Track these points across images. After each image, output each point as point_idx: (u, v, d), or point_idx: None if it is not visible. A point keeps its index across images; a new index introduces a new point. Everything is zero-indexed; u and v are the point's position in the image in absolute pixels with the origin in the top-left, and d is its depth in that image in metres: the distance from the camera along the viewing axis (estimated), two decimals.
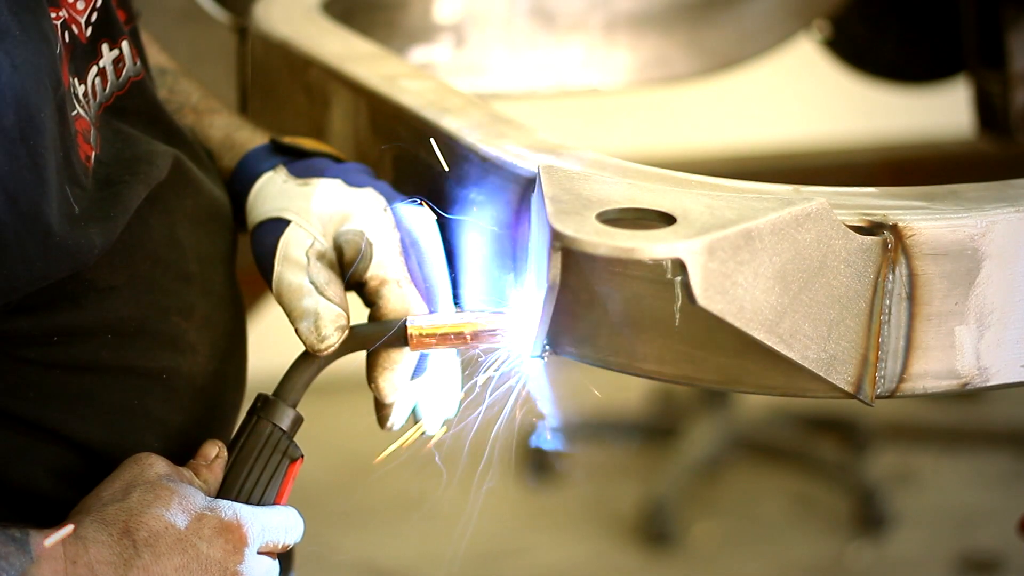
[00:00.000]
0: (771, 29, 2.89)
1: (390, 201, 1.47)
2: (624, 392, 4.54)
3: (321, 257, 1.43)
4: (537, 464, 4.20)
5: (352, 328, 1.41)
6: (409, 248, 1.46)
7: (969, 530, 4.30)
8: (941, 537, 4.29)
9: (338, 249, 1.44)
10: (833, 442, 4.69)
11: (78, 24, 1.38)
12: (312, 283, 1.41)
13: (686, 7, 2.77)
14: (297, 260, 1.43)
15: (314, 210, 1.45)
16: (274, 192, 1.48)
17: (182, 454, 1.42)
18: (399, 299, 1.44)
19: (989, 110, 2.92)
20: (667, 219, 1.22)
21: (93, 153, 1.37)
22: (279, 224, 1.46)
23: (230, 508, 1.35)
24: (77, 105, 1.36)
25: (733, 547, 4.25)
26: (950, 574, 4.16)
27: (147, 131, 1.47)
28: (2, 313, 1.31)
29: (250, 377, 1.57)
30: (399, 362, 1.44)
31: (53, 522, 1.33)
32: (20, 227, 1.25)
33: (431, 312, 1.45)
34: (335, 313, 1.40)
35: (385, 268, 1.44)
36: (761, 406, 4.71)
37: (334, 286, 1.42)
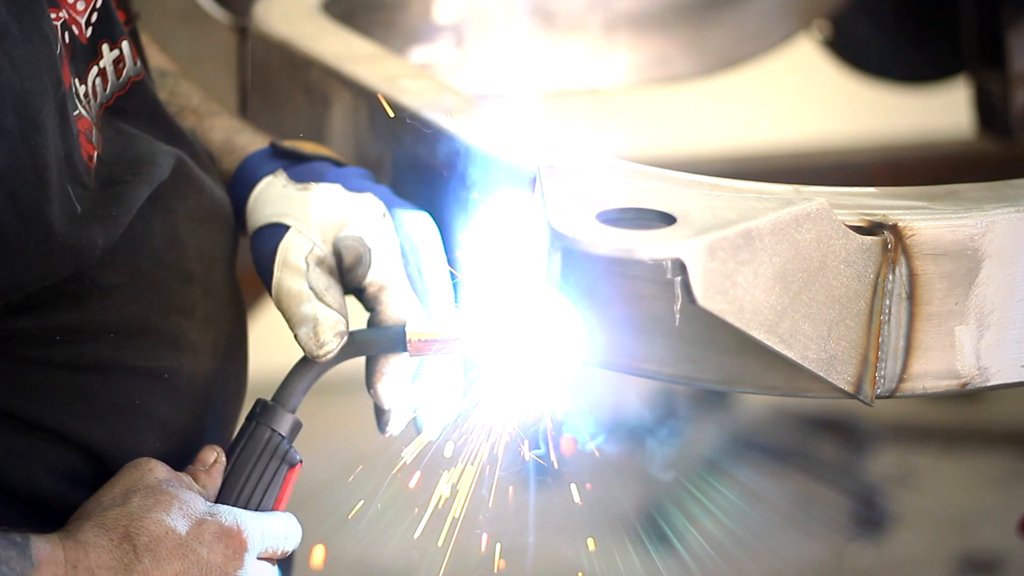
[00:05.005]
0: (771, 29, 2.89)
1: (389, 206, 1.47)
2: (624, 392, 4.54)
3: (320, 263, 1.43)
4: (538, 464, 4.20)
5: (351, 334, 1.41)
6: (408, 253, 1.46)
7: (969, 530, 4.30)
8: (941, 537, 4.29)
9: (337, 255, 1.44)
10: (833, 442, 4.69)
11: (78, 24, 1.38)
12: (311, 289, 1.41)
13: (686, 7, 2.77)
14: (296, 266, 1.43)
15: (313, 215, 1.45)
16: (274, 197, 1.48)
17: (183, 454, 1.42)
18: (398, 305, 1.44)
19: (989, 110, 2.92)
20: (667, 219, 1.22)
21: (95, 152, 1.37)
22: (278, 229, 1.45)
23: (230, 513, 1.35)
24: (79, 105, 1.36)
25: (733, 547, 4.25)
26: (950, 574, 4.15)
27: (148, 131, 1.47)
28: (4, 312, 1.31)
29: (251, 377, 1.57)
30: (398, 367, 1.44)
31: (54, 522, 1.33)
32: (21, 226, 1.25)
33: (430, 317, 1.45)
34: (334, 319, 1.40)
35: (384, 274, 1.43)
36: (761, 406, 4.71)
37: (333, 292, 1.42)
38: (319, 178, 1.49)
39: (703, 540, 4.28)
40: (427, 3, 2.49)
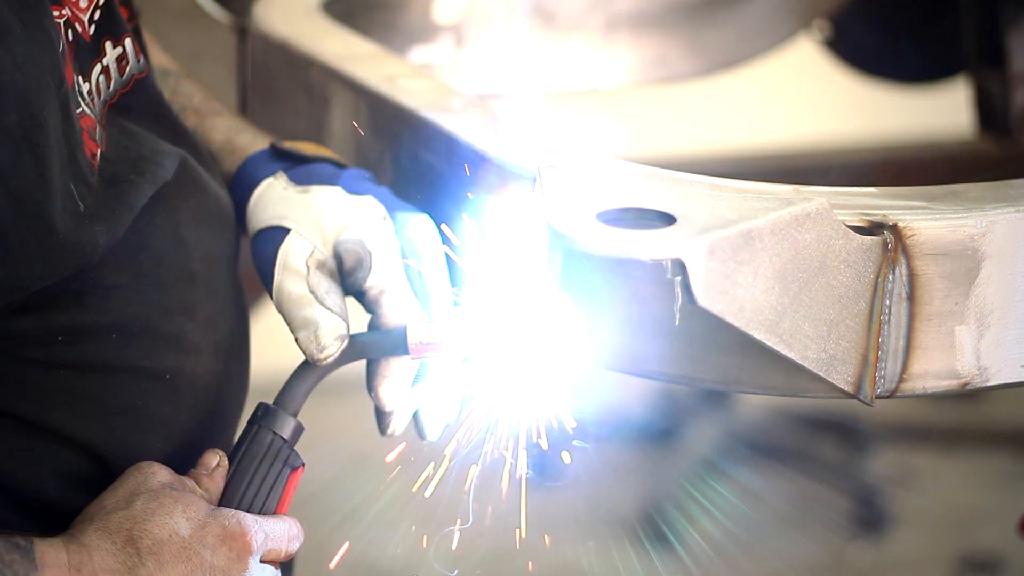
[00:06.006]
0: (771, 29, 2.89)
1: (390, 208, 1.47)
2: (624, 392, 4.54)
3: (321, 266, 1.43)
4: (538, 464, 4.20)
5: (352, 337, 1.41)
6: (409, 256, 1.46)
7: (969, 530, 4.30)
8: (941, 537, 4.29)
9: (338, 258, 1.44)
10: (833, 442, 4.69)
11: (81, 22, 1.38)
12: (312, 292, 1.41)
13: (686, 7, 2.77)
14: (297, 269, 1.43)
15: (314, 218, 1.45)
16: (274, 199, 1.48)
17: (185, 455, 1.42)
18: (399, 308, 1.44)
19: (989, 110, 2.92)
20: (667, 219, 1.22)
21: (99, 151, 1.37)
22: (279, 232, 1.45)
23: (233, 516, 1.35)
24: (82, 103, 1.36)
25: (733, 547, 4.25)
26: (950, 574, 4.15)
27: (152, 128, 1.47)
28: (6, 313, 1.31)
29: (253, 378, 1.56)
30: (399, 370, 1.44)
31: (56, 524, 1.33)
32: (23, 225, 1.25)
33: (431, 320, 1.45)
34: (334, 323, 1.40)
35: (384, 277, 1.43)
36: (761, 406, 4.71)
37: (334, 295, 1.42)
38: (319, 180, 1.48)
39: (703, 540, 4.27)
40: (427, 3, 2.49)
